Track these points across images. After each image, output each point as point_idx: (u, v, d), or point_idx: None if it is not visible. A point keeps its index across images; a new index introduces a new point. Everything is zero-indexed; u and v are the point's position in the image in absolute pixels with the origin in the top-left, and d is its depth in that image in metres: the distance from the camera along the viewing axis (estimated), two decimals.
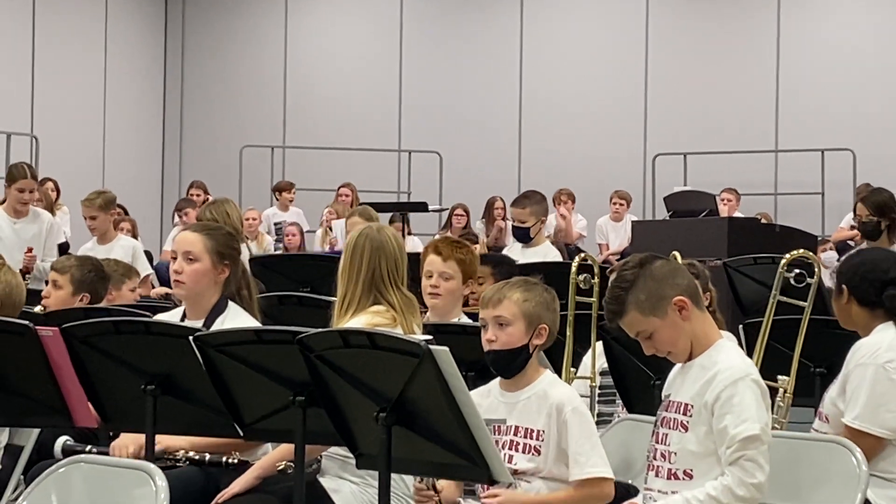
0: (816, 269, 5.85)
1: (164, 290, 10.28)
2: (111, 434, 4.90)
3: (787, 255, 5.85)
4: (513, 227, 9.44)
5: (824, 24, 16.86)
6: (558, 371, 5.55)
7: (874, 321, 4.84)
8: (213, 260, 5.08)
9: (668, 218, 12.60)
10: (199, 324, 4.91)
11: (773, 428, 4.34)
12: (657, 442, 4.09)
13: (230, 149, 18.16)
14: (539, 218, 9.12)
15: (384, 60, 18.36)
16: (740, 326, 6.58)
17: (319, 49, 18.74)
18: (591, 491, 4.23)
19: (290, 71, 18.79)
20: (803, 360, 5.74)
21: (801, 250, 5.94)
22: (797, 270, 5.79)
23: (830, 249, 13.48)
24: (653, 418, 4.22)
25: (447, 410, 3.60)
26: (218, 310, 5.04)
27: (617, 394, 5.71)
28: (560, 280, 5.60)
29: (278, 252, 13.94)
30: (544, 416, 4.27)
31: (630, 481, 4.56)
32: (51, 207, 11.53)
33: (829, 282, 7.16)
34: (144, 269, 9.79)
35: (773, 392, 5.18)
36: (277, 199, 16.20)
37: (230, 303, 5.08)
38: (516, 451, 4.29)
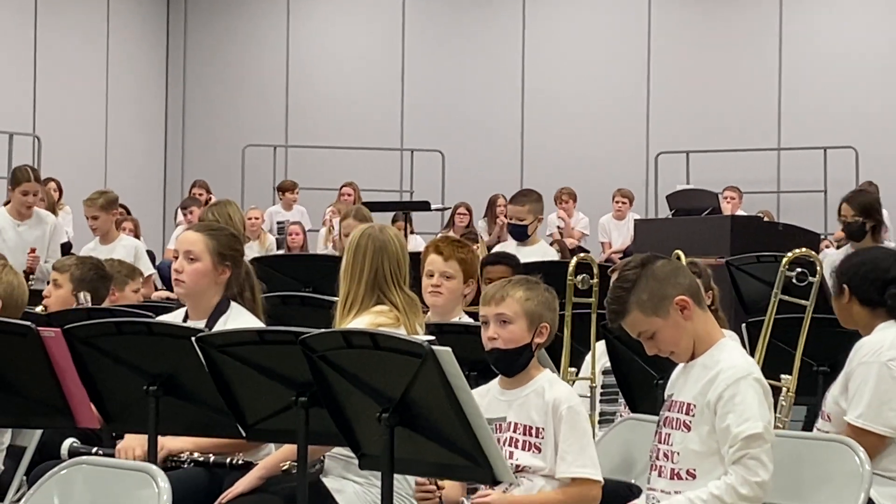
0: (818, 268, 5.84)
1: (164, 293, 10.29)
2: (113, 435, 4.90)
3: (789, 254, 5.84)
4: (509, 224, 9.38)
5: (827, 21, 16.83)
6: (558, 371, 5.55)
7: (875, 320, 4.84)
8: (214, 260, 5.08)
9: (670, 216, 12.58)
10: (201, 324, 4.91)
11: (776, 427, 4.34)
12: (660, 442, 4.09)
13: (232, 148, 18.14)
14: (536, 216, 9.12)
15: (386, 59, 18.35)
16: (743, 325, 6.57)
17: (321, 48, 18.72)
18: (577, 492, 4.20)
19: (292, 70, 18.78)
20: (805, 359, 5.72)
21: (803, 249, 5.93)
22: (799, 269, 5.78)
23: (828, 248, 13.45)
24: (655, 418, 4.22)
25: (450, 411, 3.60)
26: (220, 310, 5.04)
27: (619, 393, 5.69)
28: (559, 280, 5.59)
29: (281, 252, 13.93)
30: (542, 413, 4.26)
31: (633, 481, 4.55)
32: (53, 207, 11.52)
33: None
34: (147, 268, 9.80)
35: (776, 391, 5.16)
36: (281, 199, 16.20)
37: (232, 303, 5.08)
38: (516, 447, 4.28)
